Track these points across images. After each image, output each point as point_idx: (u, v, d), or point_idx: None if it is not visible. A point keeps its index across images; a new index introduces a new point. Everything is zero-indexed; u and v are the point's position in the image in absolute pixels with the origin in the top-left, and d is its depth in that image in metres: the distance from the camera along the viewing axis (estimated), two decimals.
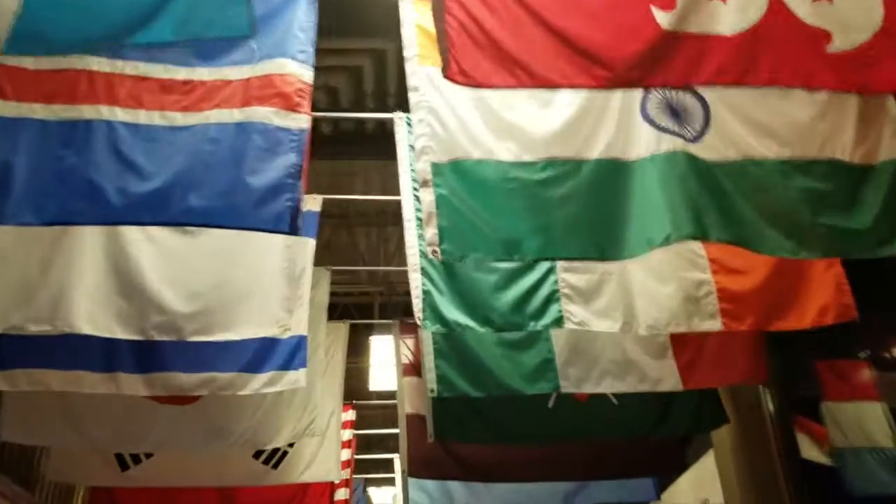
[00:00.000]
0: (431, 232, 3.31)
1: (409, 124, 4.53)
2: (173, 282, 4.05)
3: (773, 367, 6.94)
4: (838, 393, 7.60)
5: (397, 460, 10.33)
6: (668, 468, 6.81)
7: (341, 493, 8.30)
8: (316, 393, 5.81)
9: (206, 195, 3.17)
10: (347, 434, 8.53)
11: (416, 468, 6.34)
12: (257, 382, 4.68)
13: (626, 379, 4.86)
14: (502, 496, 7.31)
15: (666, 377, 4.91)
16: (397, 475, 10.28)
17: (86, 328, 3.83)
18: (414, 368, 6.77)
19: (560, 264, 4.26)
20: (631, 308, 4.21)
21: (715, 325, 4.16)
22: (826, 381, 7.53)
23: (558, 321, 4.15)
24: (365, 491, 11.24)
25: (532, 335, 4.94)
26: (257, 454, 6.41)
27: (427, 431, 5.53)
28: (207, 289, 4.06)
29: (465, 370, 4.77)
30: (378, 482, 14.24)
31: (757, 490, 6.54)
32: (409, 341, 6.87)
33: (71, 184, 3.19)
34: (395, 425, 10.24)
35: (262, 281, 4.10)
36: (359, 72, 7.82)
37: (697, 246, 4.33)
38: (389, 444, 13.48)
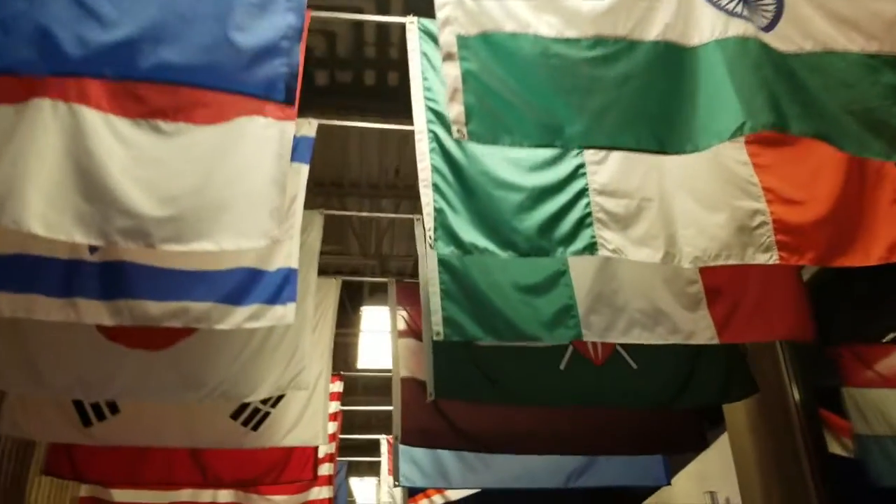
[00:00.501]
0: (457, 109, 2.75)
1: (422, 31, 3.98)
2: (144, 184, 3.45)
3: (796, 352, 6.45)
4: (862, 379, 7.10)
5: (384, 442, 9.77)
6: (688, 445, 6.24)
7: (325, 468, 7.71)
8: (304, 343, 5.21)
9: (183, 49, 2.62)
10: (334, 406, 7.93)
11: (410, 436, 5.76)
12: (239, 316, 4.08)
13: (656, 330, 4.31)
14: (500, 473, 6.74)
15: (700, 330, 4.36)
16: (383, 459, 9.71)
17: (37, 227, 3.22)
18: (411, 331, 6.20)
19: (593, 187, 3.72)
20: (673, 238, 3.66)
21: (771, 257, 3.61)
22: (849, 366, 7.03)
23: (591, 247, 3.59)
24: (347, 477, 10.62)
25: (551, 279, 4.38)
26: (236, 414, 5.81)
27: (427, 391, 4.95)
28: (184, 193, 3.46)
29: (475, 313, 4.20)
30: (361, 469, 13.64)
31: (780, 483, 6.01)
32: (407, 308, 6.29)
33: (18, 31, 2.60)
34: (380, 418, 9.70)
35: (248, 188, 3.50)
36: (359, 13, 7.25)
37: (749, 173, 3.79)
38: (373, 429, 12.94)
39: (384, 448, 9.57)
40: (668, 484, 6.86)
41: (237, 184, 3.52)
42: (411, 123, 3.89)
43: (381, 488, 9.50)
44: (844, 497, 6.19)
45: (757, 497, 6.23)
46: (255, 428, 5.79)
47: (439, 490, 7.54)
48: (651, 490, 8.92)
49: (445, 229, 3.51)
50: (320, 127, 8.83)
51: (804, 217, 3.65)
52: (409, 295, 6.26)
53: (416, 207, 8.31)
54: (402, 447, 6.60)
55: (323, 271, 6.24)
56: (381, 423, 12.23)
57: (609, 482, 6.80)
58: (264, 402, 5.84)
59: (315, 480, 7.50)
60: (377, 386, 14.08)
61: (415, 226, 5.70)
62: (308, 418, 5.85)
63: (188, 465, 6.41)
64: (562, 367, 5.23)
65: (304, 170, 4.53)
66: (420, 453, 6.69)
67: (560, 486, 6.74)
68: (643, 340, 4.28)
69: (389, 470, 9.47)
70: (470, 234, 3.52)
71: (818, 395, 6.61)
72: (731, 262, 3.60)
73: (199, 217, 3.47)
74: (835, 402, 6.81)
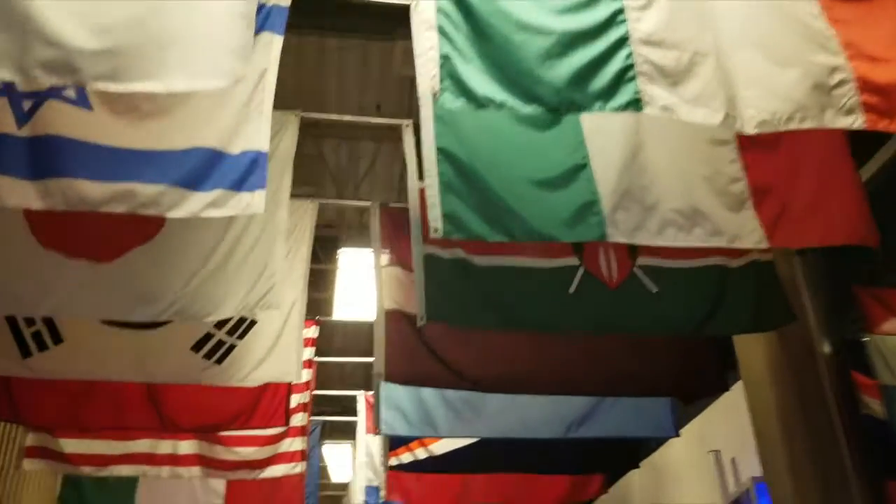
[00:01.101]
0: None
1: None
2: (74, 11, 2.72)
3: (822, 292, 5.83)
4: (887, 325, 6.54)
5: (361, 399, 9.09)
6: (706, 389, 5.61)
7: (298, 419, 7.01)
8: (275, 259, 4.51)
9: None
10: (308, 353, 7.23)
11: (396, 373, 5.08)
12: (196, 202, 3.35)
13: (694, 231, 3.64)
14: (493, 422, 6.09)
15: (746, 233, 3.70)
16: (360, 417, 9.04)
17: None
18: (397, 259, 5.50)
19: (636, 36, 3.03)
20: (734, 99, 3.00)
21: (855, 121, 2.97)
22: (872, 312, 6.46)
23: (635, 103, 2.91)
24: (320, 441, 9.92)
25: (568, 173, 3.68)
26: (198, 345, 5.09)
27: (417, 315, 4.25)
28: (125, 23, 2.73)
29: (480, 209, 3.50)
30: (335, 434, 12.94)
31: (805, 437, 5.39)
32: (392, 238, 5.58)
33: None
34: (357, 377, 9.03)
35: (206, 19, 2.79)
36: None
37: (824, 26, 3.13)
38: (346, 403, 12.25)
39: (361, 406, 8.89)
40: (677, 435, 6.25)
41: (192, 14, 2.79)
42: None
43: (357, 447, 8.82)
44: (876, 454, 5.61)
45: (778, 452, 5.61)
46: (218, 361, 5.09)
47: (422, 442, 6.88)
48: (652, 448, 8.31)
49: (454, 79, 2.82)
50: (294, 56, 8.12)
51: (892, 76, 3.00)
52: (395, 221, 5.56)
53: (398, 150, 7.62)
54: (385, 394, 5.92)
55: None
56: (358, 382, 11.56)
57: (612, 432, 6.17)
58: (230, 332, 5.14)
59: (287, 431, 6.83)
60: (355, 341, 13.41)
61: (403, 132, 5.01)
62: (280, 352, 5.15)
63: (141, 407, 5.69)
64: (571, 290, 4.57)
65: (276, 42, 3.79)
66: (405, 399, 6.01)
67: (559, 436, 6.09)
68: (679, 243, 3.62)
69: (368, 428, 8.80)
70: (484, 84, 2.84)
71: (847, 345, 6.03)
72: (806, 125, 2.95)
73: (142, 52, 2.75)
74: (859, 357, 6.23)
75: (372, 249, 5.58)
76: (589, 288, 4.56)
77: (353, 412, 10.20)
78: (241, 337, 5.14)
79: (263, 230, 4.53)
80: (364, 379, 10.08)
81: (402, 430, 5.99)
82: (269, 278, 4.43)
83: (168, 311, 4.23)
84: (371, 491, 8.41)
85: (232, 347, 5.11)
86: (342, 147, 9.75)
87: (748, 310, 4.55)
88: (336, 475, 14.76)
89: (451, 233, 3.47)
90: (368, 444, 8.66)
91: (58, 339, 4.93)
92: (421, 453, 6.90)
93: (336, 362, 13.04)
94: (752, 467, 7.00)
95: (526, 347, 5.21)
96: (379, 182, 9.56)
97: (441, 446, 6.95)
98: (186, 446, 6.65)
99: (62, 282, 4.18)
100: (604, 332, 4.71)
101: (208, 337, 5.10)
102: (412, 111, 4.25)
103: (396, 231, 5.51)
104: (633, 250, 4.62)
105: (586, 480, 7.57)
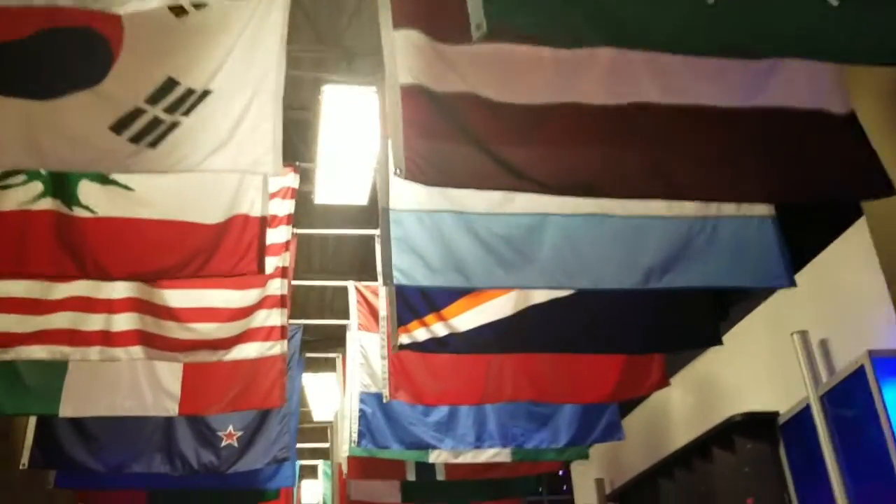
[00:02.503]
0: None
1: None
2: None
3: None
4: None
5: (352, 290, 7.35)
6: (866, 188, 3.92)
7: (276, 286, 5.29)
8: None
9: None
10: (285, 209, 5.47)
11: (418, 166, 3.35)
12: None
13: None
14: (546, 266, 4.39)
15: None
16: (352, 309, 7.26)
17: None
18: (414, 17, 3.73)
19: None
20: None
21: None
22: None
23: None
24: (301, 354, 8.15)
25: None
26: (119, 125, 3.34)
27: (474, 19, 2.50)
28: None
29: None
30: (316, 366, 11.21)
31: None
32: None
33: None
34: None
35: None
36: None
37: None
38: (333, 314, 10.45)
39: (353, 298, 7.15)
40: (793, 285, 4.60)
41: None
42: None
43: (350, 335, 7.06)
44: None
45: None
46: (152, 144, 3.33)
47: (440, 315, 5.16)
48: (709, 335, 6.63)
49: None
50: None
51: None
52: None
53: None
54: (397, 232, 4.21)
55: None
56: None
57: (708, 282, 4.51)
58: (171, 108, 3.40)
59: (262, 301, 5.14)
60: (336, 260, 11.62)
61: None
62: (248, 132, 3.41)
63: (48, 245, 3.91)
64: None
65: None
66: (423, 238, 4.29)
67: (635, 286, 4.42)
68: None
69: (360, 325, 7.10)
70: None
71: None
72: None
73: None
74: None
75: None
76: None
77: (337, 343, 8.47)
78: (186, 113, 3.39)
79: None
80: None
81: (421, 278, 4.28)
82: None
83: None
84: (368, 401, 6.72)
85: (174, 126, 3.36)
86: None
87: None
88: (319, 413, 13.00)
89: None
90: (363, 344, 6.95)
91: None
92: (439, 329, 5.19)
93: (316, 287, 11.29)
94: (848, 349, 5.43)
95: (613, 125, 3.54)
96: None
97: (465, 320, 5.25)
98: (123, 321, 4.86)
99: None
100: (754, 53, 3.01)
101: (137, 114, 3.35)
102: None
103: None
104: None
105: (646, 363, 5.95)
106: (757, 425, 6.14)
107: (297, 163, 5.69)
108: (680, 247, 4.47)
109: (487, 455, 7.43)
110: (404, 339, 5.12)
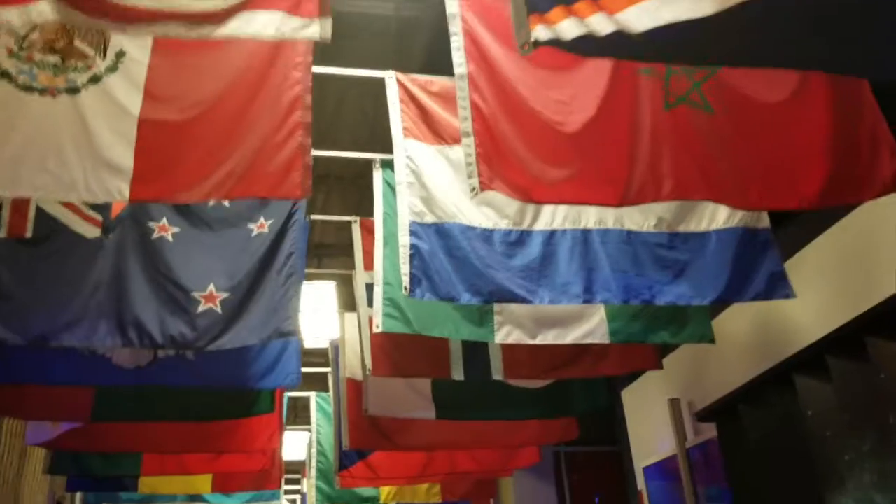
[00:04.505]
0: None
1: None
2: None
3: None
4: None
5: (392, 82, 5.02)
6: None
7: None
8: None
9: None
10: None
11: None
12: None
13: None
14: None
15: None
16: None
17: None
18: None
19: None
20: None
21: None
22: None
23: None
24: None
25: None
26: None
27: None
28: None
29: None
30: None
31: None
32: None
33: None
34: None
35: None
36: None
37: None
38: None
39: (393, 93, 4.86)
40: None
41: None
42: None
43: (396, 143, 4.69)
44: None
45: None
46: None
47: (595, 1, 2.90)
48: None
49: None
50: None
51: None
52: None
53: None
54: None
55: None
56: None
57: None
58: None
59: None
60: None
61: None
62: None
63: None
64: None
65: None
66: None
67: None
68: None
69: (406, 131, 4.79)
70: None
71: None
72: None
73: None
74: None
75: None
76: None
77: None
78: None
79: None
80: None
81: None
82: None
83: None
84: (423, 233, 4.41)
85: None
86: None
87: None
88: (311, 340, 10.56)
89: None
90: (410, 155, 4.63)
91: None
92: (598, 22, 2.89)
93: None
94: None
95: None
96: None
97: (642, 12, 2.96)
98: None
99: None
100: None
101: None
102: None
103: None
104: None
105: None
106: None
107: None
108: None
109: (579, 333, 5.21)
110: (541, 31, 2.83)
